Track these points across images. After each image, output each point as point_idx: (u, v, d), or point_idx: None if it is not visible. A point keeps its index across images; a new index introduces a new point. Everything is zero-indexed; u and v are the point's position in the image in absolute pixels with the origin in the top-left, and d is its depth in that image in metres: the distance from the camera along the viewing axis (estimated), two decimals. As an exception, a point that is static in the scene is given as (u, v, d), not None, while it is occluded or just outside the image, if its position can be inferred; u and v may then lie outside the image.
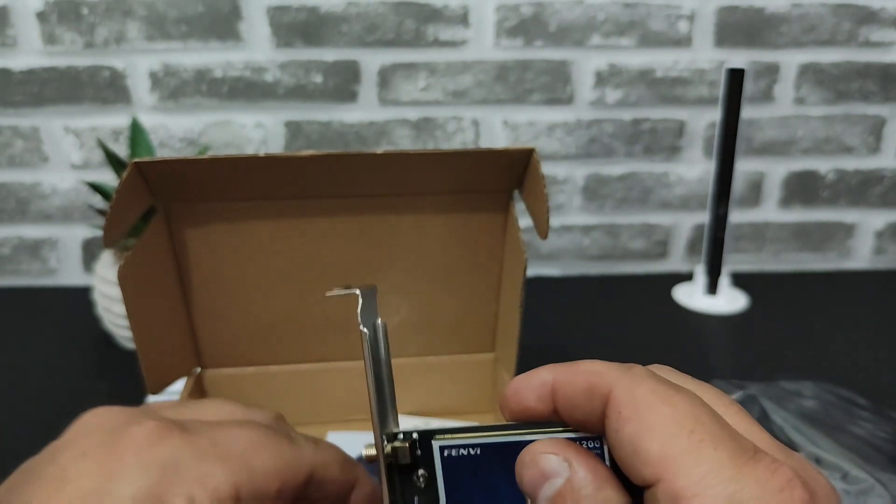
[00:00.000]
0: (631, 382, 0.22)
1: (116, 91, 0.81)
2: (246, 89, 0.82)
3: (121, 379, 0.67)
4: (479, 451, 0.25)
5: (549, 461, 0.22)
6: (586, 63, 0.84)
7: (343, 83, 0.83)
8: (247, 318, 0.55)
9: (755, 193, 0.92)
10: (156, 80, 0.81)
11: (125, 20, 0.79)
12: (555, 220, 0.91)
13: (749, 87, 0.85)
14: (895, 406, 0.62)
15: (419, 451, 0.25)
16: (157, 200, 0.50)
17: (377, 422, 0.25)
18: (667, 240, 0.93)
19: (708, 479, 0.19)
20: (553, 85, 0.85)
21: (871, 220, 0.94)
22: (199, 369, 0.57)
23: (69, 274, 0.89)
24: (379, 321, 0.26)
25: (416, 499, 0.25)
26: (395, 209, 0.53)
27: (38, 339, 0.74)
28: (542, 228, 0.48)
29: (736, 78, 0.77)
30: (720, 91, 0.79)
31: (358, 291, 0.26)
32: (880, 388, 0.66)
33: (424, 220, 0.53)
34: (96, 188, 0.67)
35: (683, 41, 0.84)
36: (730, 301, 0.84)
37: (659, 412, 0.21)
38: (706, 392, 0.23)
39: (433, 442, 0.25)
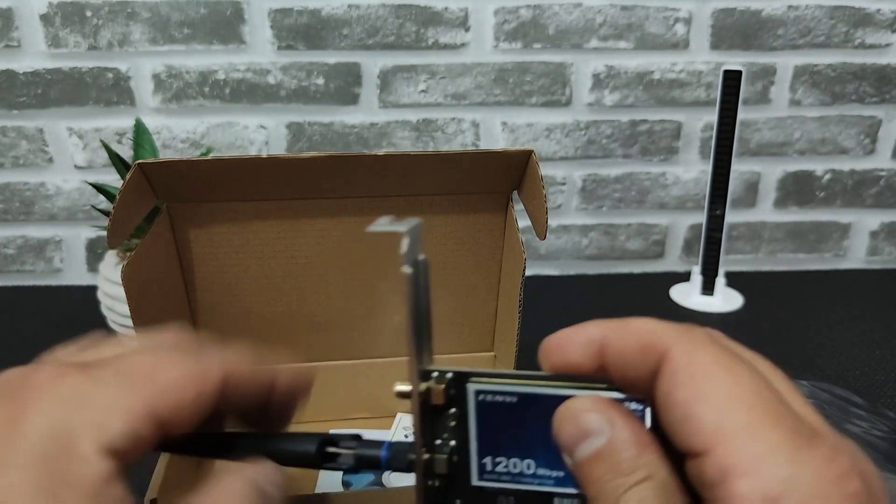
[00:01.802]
0: (690, 345, 0.21)
1: (120, 93, 0.82)
2: (248, 91, 0.83)
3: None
4: (515, 399, 0.24)
5: (591, 419, 0.22)
6: (584, 65, 0.85)
7: (344, 85, 0.84)
8: (249, 317, 0.56)
9: (751, 194, 0.92)
10: (159, 82, 0.82)
11: (129, 23, 0.80)
12: (553, 221, 0.92)
13: (745, 88, 0.86)
14: (891, 404, 0.63)
15: (453, 392, 0.24)
16: (160, 201, 0.51)
17: (414, 359, 0.24)
18: (664, 240, 0.94)
19: (762, 460, 0.18)
20: (551, 87, 0.86)
21: (866, 221, 0.95)
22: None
23: (73, 274, 0.89)
24: (421, 257, 0.25)
25: (445, 439, 0.25)
26: (395, 210, 0.53)
27: (43, 338, 0.74)
28: (541, 229, 0.48)
29: (732, 80, 0.77)
30: (717, 93, 0.79)
31: (404, 229, 0.24)
32: (876, 387, 0.66)
33: (425, 220, 0.54)
34: (100, 189, 0.67)
35: (680, 44, 0.85)
36: (726, 301, 0.84)
37: (717, 381, 0.20)
38: (762, 364, 0.22)
39: (468, 385, 0.24)
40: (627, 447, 0.21)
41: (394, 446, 0.27)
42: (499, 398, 0.24)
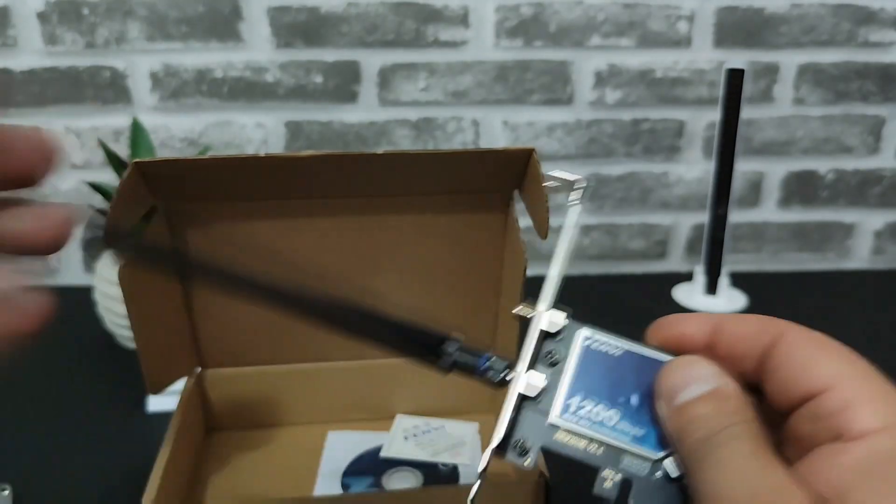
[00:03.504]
0: (806, 329, 0.24)
1: (117, 91, 0.82)
2: (246, 89, 0.83)
3: (122, 378, 0.67)
4: (619, 353, 0.26)
5: (704, 367, 0.24)
6: (586, 63, 0.85)
7: (343, 83, 0.83)
8: (247, 317, 0.55)
9: (754, 193, 0.92)
10: (156, 80, 0.81)
11: (126, 20, 0.79)
12: (555, 221, 0.91)
13: (748, 87, 0.85)
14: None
15: (565, 329, 0.26)
16: (157, 200, 0.50)
17: (553, 289, 0.27)
18: (666, 240, 0.94)
19: (883, 396, 0.21)
20: (553, 85, 0.85)
21: (870, 220, 0.94)
22: (199, 369, 0.57)
23: (70, 274, 0.89)
24: (580, 206, 0.29)
25: (541, 367, 0.26)
26: (395, 209, 0.53)
27: (39, 339, 0.74)
28: (542, 228, 0.48)
29: (735, 78, 0.77)
30: (720, 91, 0.79)
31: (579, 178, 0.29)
32: (879, 388, 0.66)
33: (425, 220, 0.53)
34: (97, 188, 0.67)
35: (683, 41, 0.84)
36: (729, 301, 0.84)
37: (835, 348, 0.23)
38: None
39: (580, 330, 0.26)
40: (736, 396, 0.23)
41: (492, 359, 0.28)
42: (603, 348, 0.26)
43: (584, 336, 0.26)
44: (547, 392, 0.26)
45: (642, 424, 0.25)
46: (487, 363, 0.27)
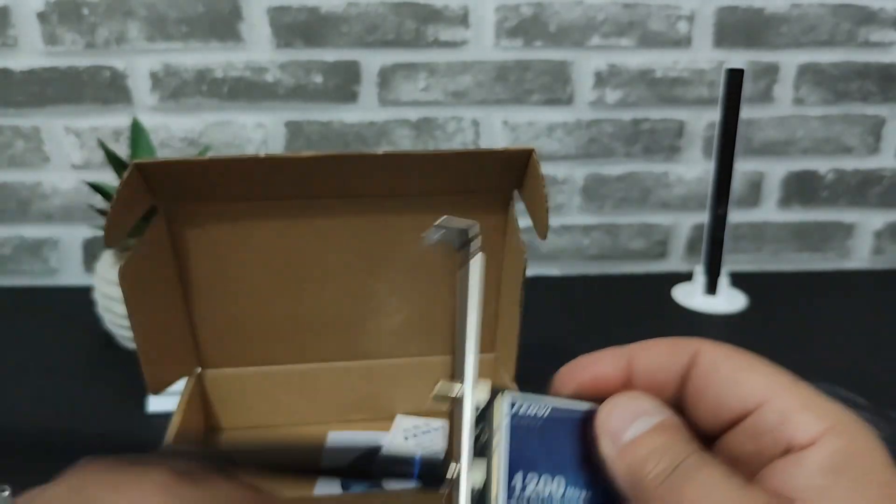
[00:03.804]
0: (717, 344, 0.23)
1: (117, 91, 0.82)
2: (246, 89, 0.83)
3: (121, 379, 0.67)
4: (547, 413, 0.24)
5: (646, 401, 0.23)
6: (586, 63, 0.85)
7: (343, 83, 0.83)
8: (247, 317, 0.55)
9: (754, 193, 0.92)
10: (156, 80, 0.81)
11: (126, 20, 0.79)
12: (554, 221, 0.91)
13: (748, 87, 0.85)
14: (894, 405, 0.63)
15: (489, 405, 0.24)
16: (157, 201, 0.50)
17: (463, 368, 0.24)
18: (666, 240, 0.94)
19: (816, 403, 0.21)
20: (553, 85, 0.85)
21: (870, 220, 0.94)
22: (199, 369, 0.57)
23: (70, 274, 0.89)
24: (480, 255, 0.25)
25: (476, 449, 0.24)
26: (395, 209, 0.53)
27: (39, 339, 0.74)
28: (542, 228, 0.48)
29: (735, 78, 0.77)
30: (719, 91, 0.79)
31: (437, 231, 0.25)
32: (879, 388, 0.66)
33: (425, 219, 0.53)
34: (97, 188, 0.67)
35: (683, 41, 0.84)
36: (729, 301, 0.84)
37: (756, 360, 0.22)
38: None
39: (503, 396, 0.24)
40: (680, 424, 0.22)
41: (424, 461, 0.26)
42: (531, 411, 0.24)
43: (508, 404, 0.24)
44: (487, 479, 0.23)
45: (587, 485, 0.24)
46: (420, 468, 0.26)
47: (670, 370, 0.23)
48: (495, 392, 0.24)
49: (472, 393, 0.24)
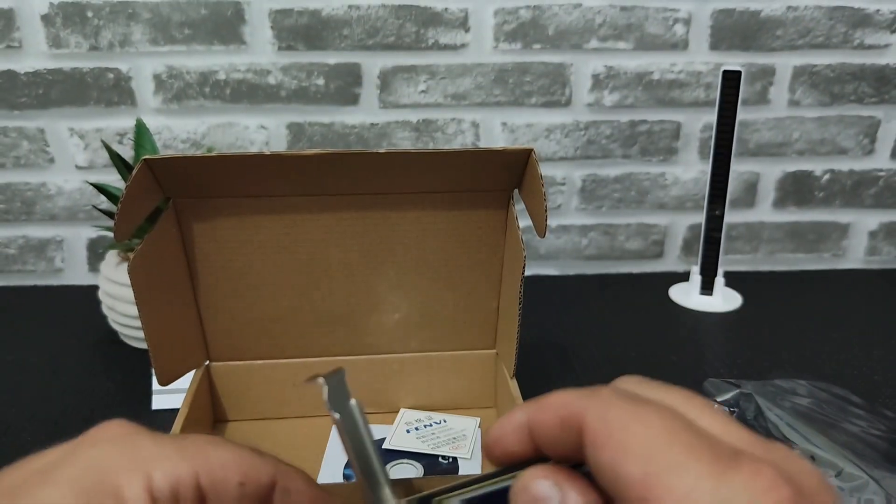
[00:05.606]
0: (600, 408, 0.21)
1: (121, 93, 0.82)
2: (249, 92, 0.83)
3: (126, 376, 0.67)
4: (483, 495, 0.24)
5: (541, 486, 0.22)
6: (584, 66, 0.86)
7: (344, 86, 0.84)
8: (254, 312, 0.56)
9: (750, 194, 0.93)
10: (160, 82, 0.82)
11: (129, 23, 0.80)
12: (553, 221, 0.92)
13: (745, 89, 0.86)
14: (889, 404, 0.63)
15: None
16: (166, 196, 0.51)
17: (370, 500, 0.24)
18: (663, 240, 0.94)
19: (693, 493, 0.19)
20: (551, 87, 0.86)
21: (864, 221, 0.95)
22: (207, 362, 0.58)
23: (75, 273, 0.90)
24: (353, 402, 0.26)
25: None
26: (397, 207, 0.54)
27: (44, 338, 0.75)
28: (541, 226, 0.49)
29: (732, 80, 0.78)
30: (716, 93, 0.80)
31: (322, 380, 0.26)
32: (874, 386, 0.67)
33: (426, 217, 0.54)
34: (101, 189, 0.68)
35: (680, 44, 0.85)
36: (725, 300, 0.85)
37: (633, 433, 0.20)
38: (676, 398, 0.22)
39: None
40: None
41: None
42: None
43: None
44: None
45: None
46: None
47: (567, 444, 0.22)
48: (427, 500, 0.24)
49: None
